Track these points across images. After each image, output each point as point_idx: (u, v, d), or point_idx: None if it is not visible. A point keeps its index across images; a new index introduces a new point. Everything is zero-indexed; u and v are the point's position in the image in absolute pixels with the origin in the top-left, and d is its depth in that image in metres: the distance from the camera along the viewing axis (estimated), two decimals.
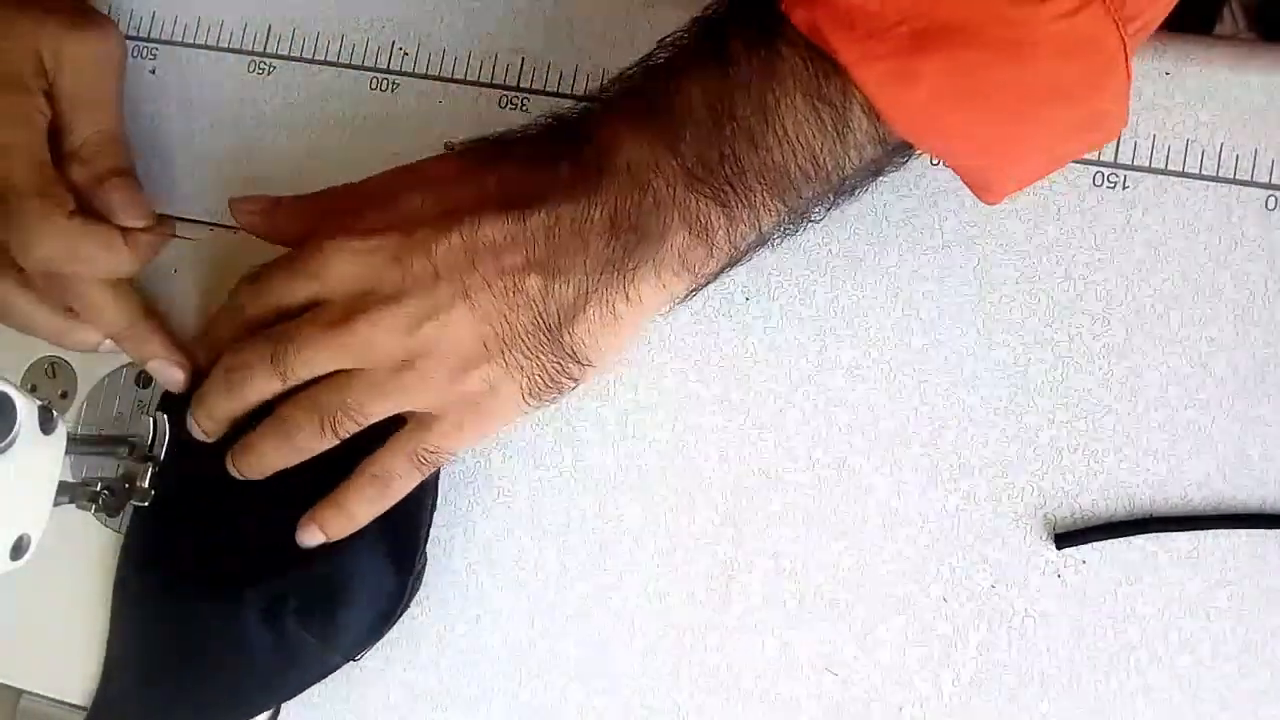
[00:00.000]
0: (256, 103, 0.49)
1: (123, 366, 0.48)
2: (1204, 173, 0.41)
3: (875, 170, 0.38)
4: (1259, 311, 0.40)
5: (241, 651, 0.43)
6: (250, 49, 0.50)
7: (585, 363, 0.40)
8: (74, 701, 0.46)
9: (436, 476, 0.44)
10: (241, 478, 0.43)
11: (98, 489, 0.43)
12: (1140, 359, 0.41)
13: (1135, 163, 0.42)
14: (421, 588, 0.44)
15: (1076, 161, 0.42)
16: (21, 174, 0.42)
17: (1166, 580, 0.40)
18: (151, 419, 0.45)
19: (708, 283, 0.40)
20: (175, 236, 0.47)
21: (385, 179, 0.43)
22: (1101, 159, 0.42)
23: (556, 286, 0.38)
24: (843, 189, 0.38)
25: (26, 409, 0.37)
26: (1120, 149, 0.42)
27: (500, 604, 0.44)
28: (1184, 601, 0.39)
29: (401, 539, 0.43)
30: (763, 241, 0.39)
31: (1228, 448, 0.40)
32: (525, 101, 0.47)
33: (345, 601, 0.43)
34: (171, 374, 0.46)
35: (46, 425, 0.38)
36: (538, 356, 0.40)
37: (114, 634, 0.46)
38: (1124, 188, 0.42)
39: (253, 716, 0.44)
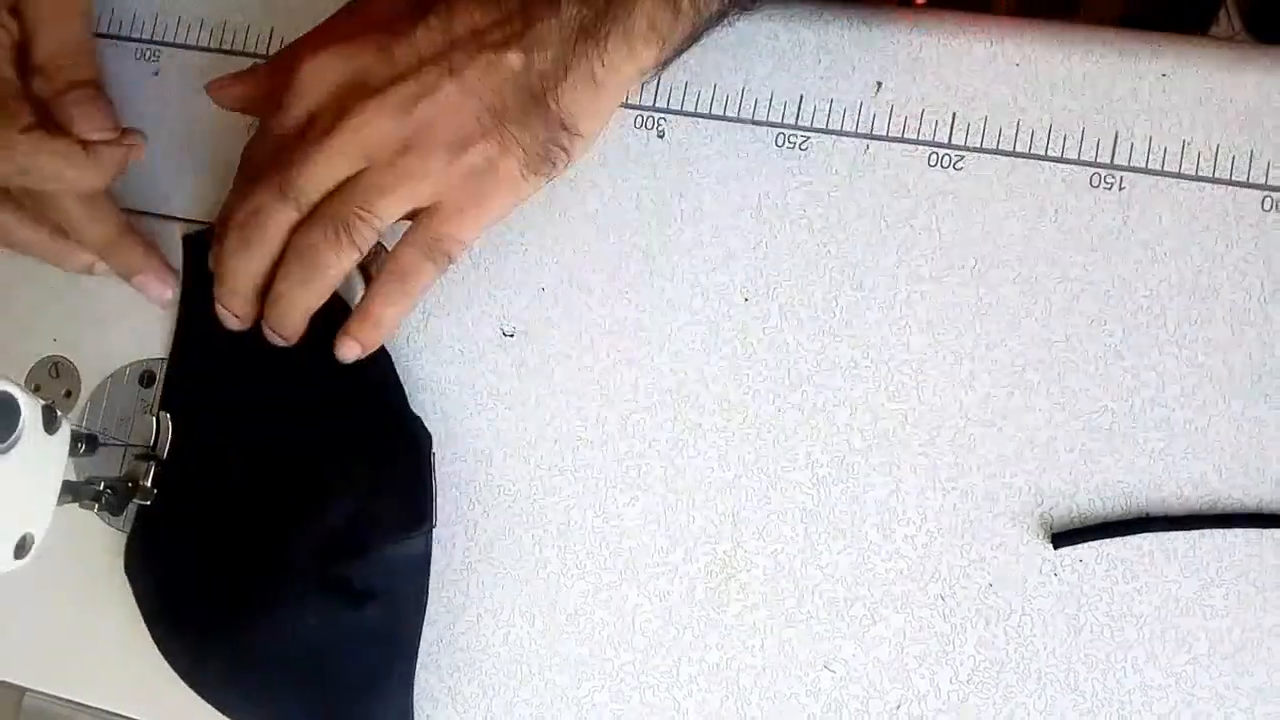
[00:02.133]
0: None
1: (125, 366, 0.48)
2: (1200, 174, 0.42)
3: None
4: (1255, 312, 0.41)
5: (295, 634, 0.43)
6: (253, 51, 0.50)
7: (574, 131, 0.41)
8: (77, 699, 0.46)
9: (430, 464, 0.44)
10: (282, 340, 0.44)
11: (101, 488, 0.43)
12: (1137, 359, 0.41)
13: (1132, 164, 0.42)
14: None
15: (1073, 162, 0.42)
16: None
17: (1163, 579, 0.40)
18: (154, 418, 0.45)
19: (674, 56, 0.41)
20: (158, 215, 0.47)
21: (345, 8, 0.44)
22: (1099, 160, 0.42)
23: (535, 57, 0.40)
24: None
25: (30, 408, 0.37)
26: (1117, 150, 0.42)
27: (500, 604, 0.44)
28: (1180, 600, 0.40)
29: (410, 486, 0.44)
30: (723, 13, 0.41)
31: (1224, 447, 0.40)
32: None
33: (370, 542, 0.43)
34: (158, 289, 0.46)
35: (50, 425, 0.38)
36: (529, 127, 0.40)
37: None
38: (1121, 189, 0.42)
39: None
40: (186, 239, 0.48)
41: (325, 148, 0.40)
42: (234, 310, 0.44)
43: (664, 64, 0.41)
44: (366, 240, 0.41)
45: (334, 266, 0.42)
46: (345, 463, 0.43)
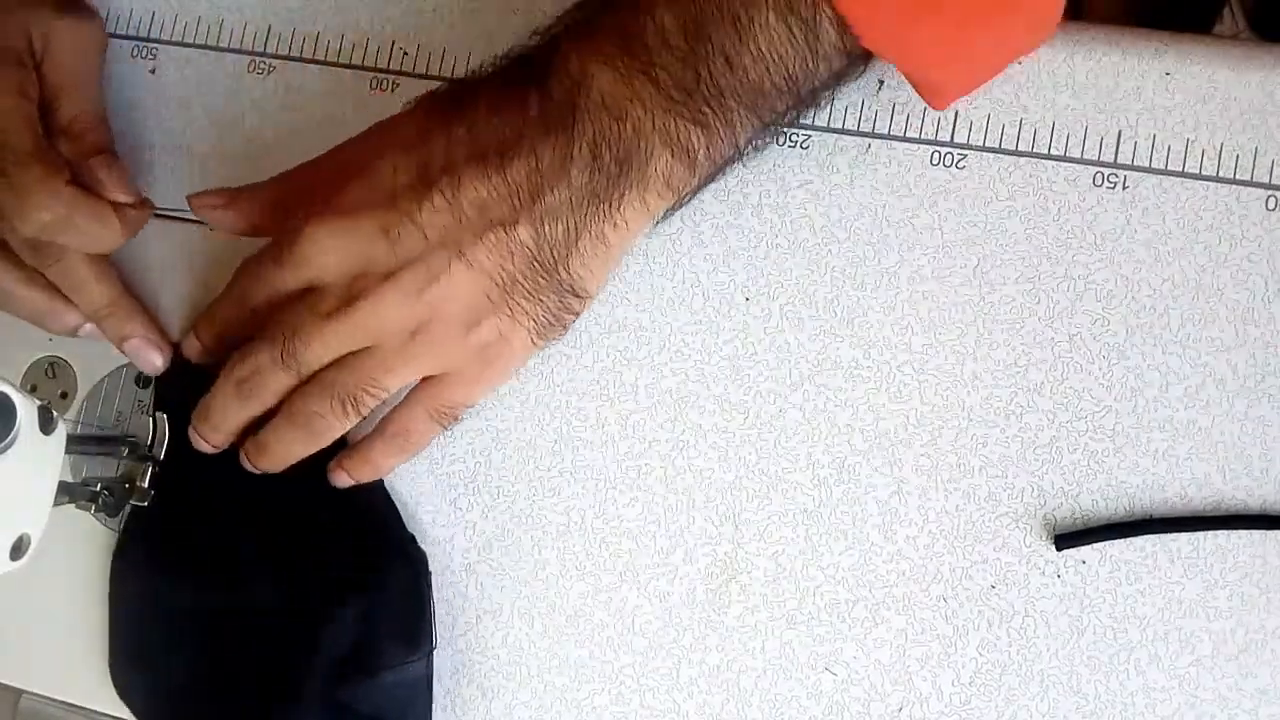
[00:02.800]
0: (256, 103, 0.49)
1: (122, 367, 0.48)
2: (1204, 173, 0.41)
3: (839, 80, 0.40)
4: (1259, 311, 0.40)
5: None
6: (250, 49, 0.50)
7: (583, 294, 0.41)
8: (74, 701, 0.46)
9: (427, 573, 0.44)
10: (258, 471, 0.44)
11: (97, 489, 0.43)
12: (1140, 359, 0.41)
13: (1135, 163, 0.42)
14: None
15: (1076, 162, 0.42)
16: (20, 142, 0.42)
17: (1166, 580, 0.40)
18: (151, 419, 0.45)
19: (688, 200, 0.41)
20: (156, 214, 0.47)
21: (349, 150, 0.43)
22: (1102, 159, 0.42)
23: (546, 229, 0.39)
24: (810, 100, 0.40)
25: (26, 409, 0.37)
26: (1120, 149, 0.42)
27: (499, 605, 0.44)
28: (1184, 602, 0.39)
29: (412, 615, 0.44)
30: (739, 155, 0.41)
31: (1228, 448, 0.40)
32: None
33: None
34: (150, 356, 0.46)
35: (46, 425, 0.38)
36: (539, 298, 0.40)
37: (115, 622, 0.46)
38: (1124, 188, 0.42)
39: None
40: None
41: (332, 328, 0.41)
42: (212, 444, 0.44)
43: (674, 211, 0.41)
44: (369, 409, 0.42)
45: (332, 431, 0.43)
46: (344, 587, 0.43)
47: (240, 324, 0.44)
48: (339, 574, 0.43)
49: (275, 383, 0.42)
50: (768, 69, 0.37)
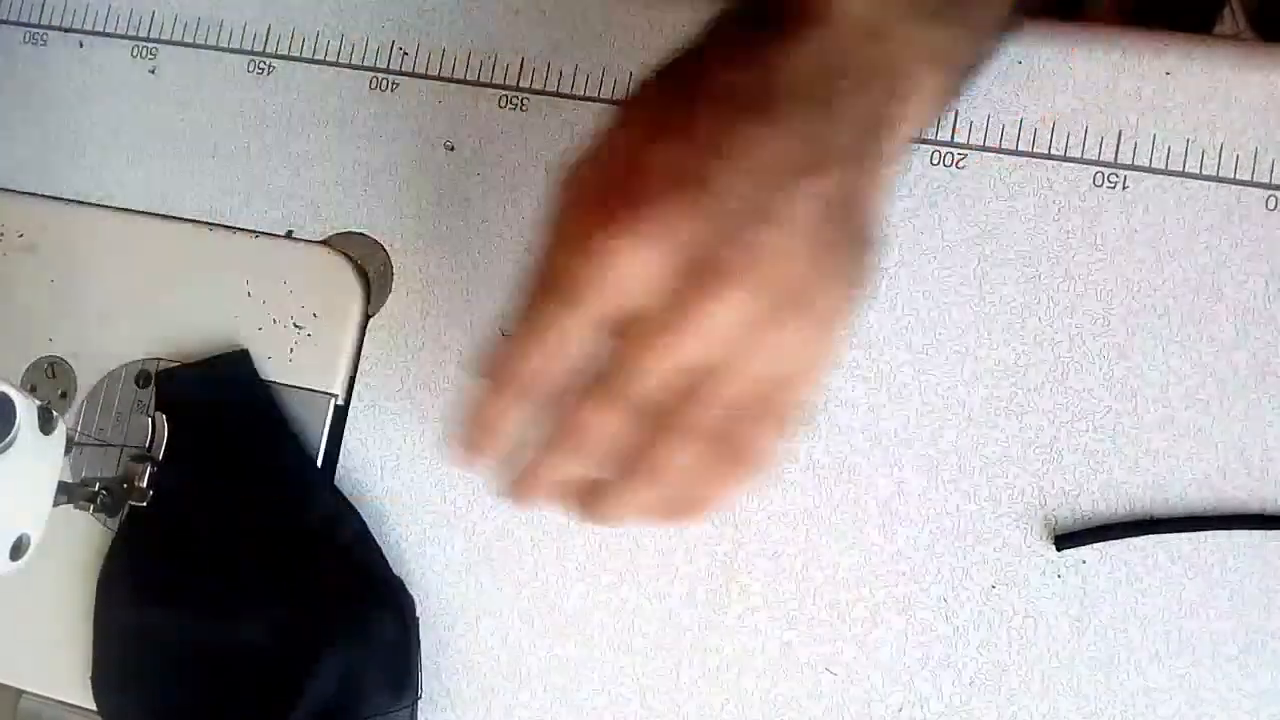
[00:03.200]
0: (256, 103, 0.49)
1: (122, 367, 0.48)
2: (1204, 173, 0.41)
3: None
4: (1260, 311, 0.40)
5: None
6: (250, 49, 0.50)
7: (875, 238, 0.35)
8: (73, 701, 0.46)
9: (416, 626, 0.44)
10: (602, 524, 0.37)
11: (96, 489, 0.43)
12: (1140, 359, 0.41)
13: (1136, 163, 0.42)
14: (422, 588, 0.44)
15: (1077, 161, 0.42)
16: None
17: (1167, 581, 0.40)
18: (150, 419, 0.45)
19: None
20: (156, 215, 0.45)
21: (592, 172, 0.35)
22: (1102, 159, 0.42)
23: (837, 173, 0.34)
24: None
25: (26, 409, 0.37)
26: (1121, 149, 0.42)
27: (500, 604, 0.44)
28: (1184, 602, 0.39)
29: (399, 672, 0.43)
30: (978, 63, 0.38)
31: (1228, 448, 0.40)
32: (525, 101, 0.47)
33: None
34: None
35: (46, 425, 0.38)
36: (849, 250, 0.35)
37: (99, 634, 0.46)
38: (1124, 188, 0.42)
39: None
40: (159, 374, 0.48)
41: (676, 353, 0.33)
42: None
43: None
44: (742, 437, 0.35)
45: (720, 485, 0.35)
46: (329, 634, 0.43)
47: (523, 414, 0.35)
48: (325, 619, 0.43)
49: (609, 429, 0.35)
50: None
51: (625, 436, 0.34)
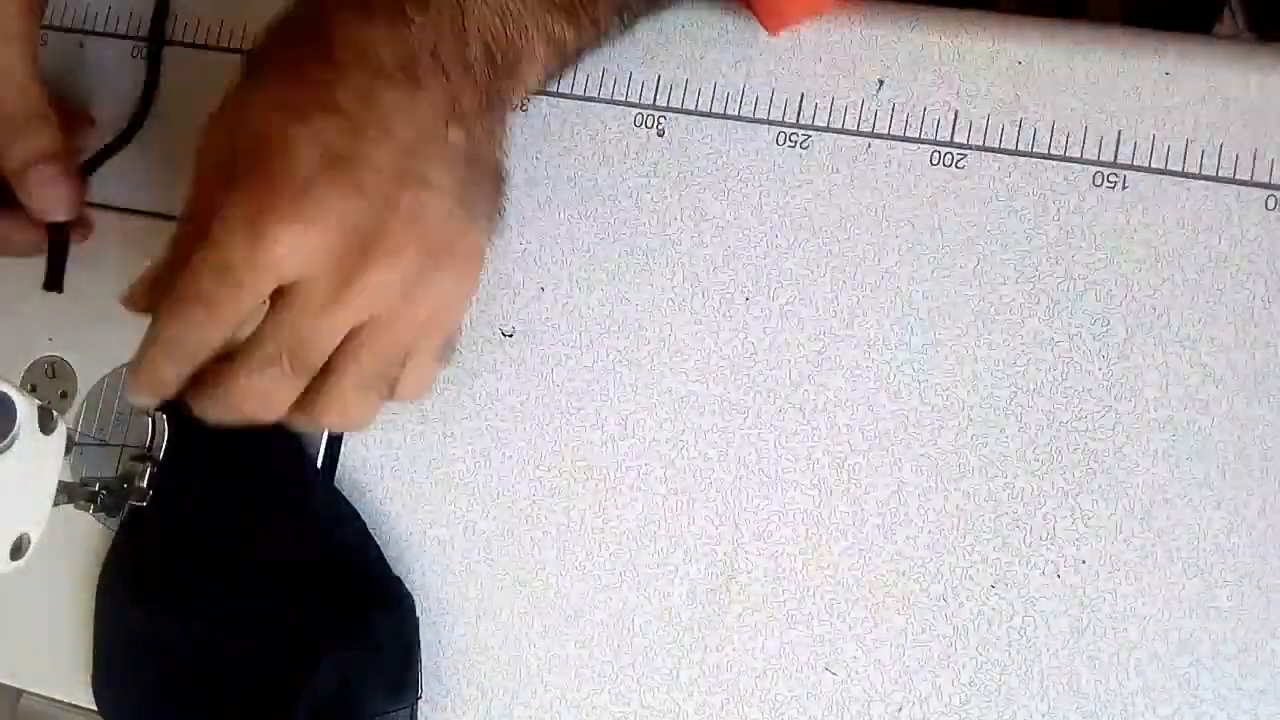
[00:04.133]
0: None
1: (122, 366, 0.48)
2: (1204, 173, 0.41)
3: None
4: (1259, 311, 0.40)
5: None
6: (250, 49, 0.50)
7: (503, 177, 0.41)
8: (73, 701, 0.46)
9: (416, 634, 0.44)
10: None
11: (96, 489, 0.43)
12: (1140, 359, 0.41)
13: (1135, 163, 0.42)
14: (422, 588, 0.44)
15: (1076, 161, 0.42)
16: None
17: (1166, 580, 0.40)
18: (150, 419, 0.45)
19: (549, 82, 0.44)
20: (157, 215, 0.47)
21: (214, 149, 0.38)
22: (1101, 159, 0.42)
23: (470, 128, 0.39)
24: (665, 4, 0.44)
25: (26, 409, 0.37)
26: (1120, 149, 0.42)
27: (500, 604, 0.44)
28: (1184, 602, 0.39)
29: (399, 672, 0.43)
30: (598, 45, 0.43)
31: (1228, 448, 0.40)
32: (523, 101, 0.47)
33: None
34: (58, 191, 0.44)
35: (46, 425, 0.38)
36: (483, 193, 0.40)
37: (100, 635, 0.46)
38: (1124, 188, 0.42)
39: None
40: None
41: (342, 318, 0.37)
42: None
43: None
44: (398, 374, 0.40)
45: (375, 413, 0.40)
46: (328, 634, 0.43)
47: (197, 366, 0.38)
48: (323, 619, 0.43)
49: (290, 397, 0.38)
50: None
51: (296, 392, 0.38)
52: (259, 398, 0.38)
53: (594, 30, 0.42)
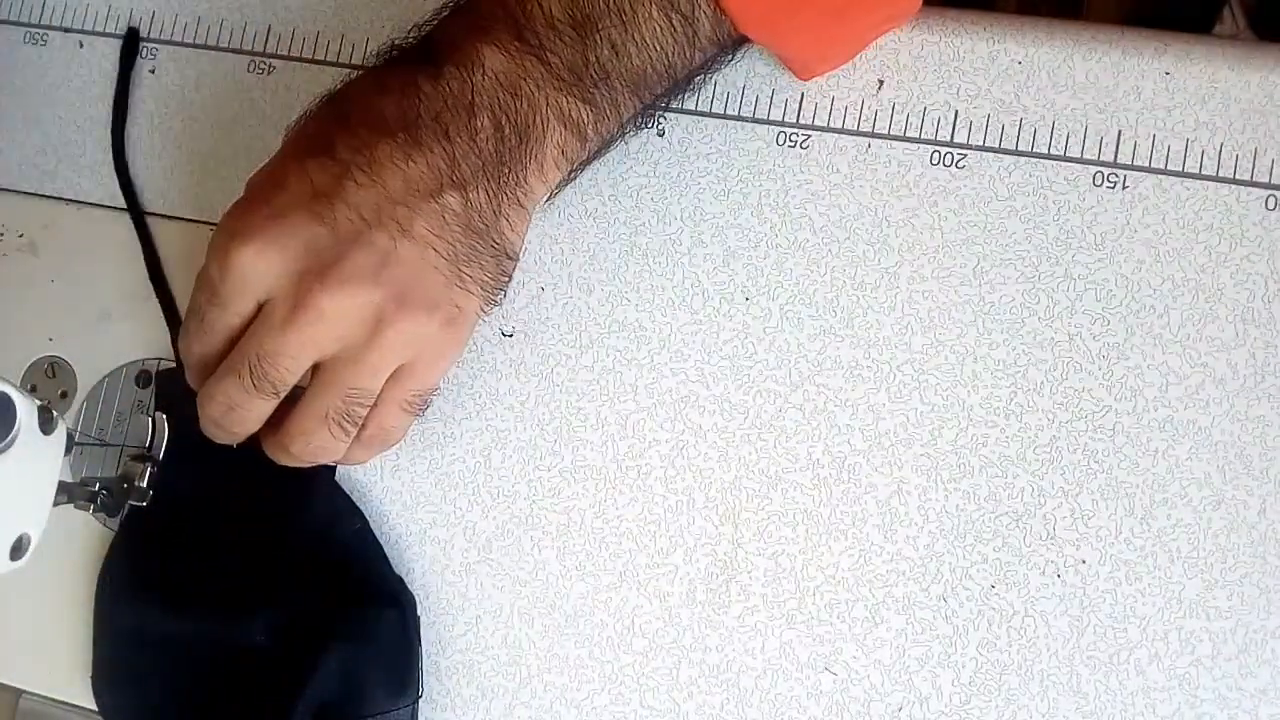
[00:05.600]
0: (256, 103, 0.49)
1: (122, 367, 0.48)
2: (1204, 172, 0.41)
3: (714, 65, 0.43)
4: (1259, 311, 0.40)
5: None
6: (250, 49, 0.50)
7: (513, 256, 0.42)
8: (73, 701, 0.46)
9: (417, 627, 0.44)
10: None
11: (96, 489, 0.43)
12: (1140, 359, 0.41)
13: (1135, 163, 0.42)
14: (421, 588, 0.44)
15: (1076, 161, 0.42)
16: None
17: (1166, 580, 0.40)
18: (150, 419, 0.45)
19: (577, 174, 0.43)
20: (158, 215, 0.47)
21: (239, 208, 0.41)
22: (1101, 159, 0.42)
23: (470, 195, 0.40)
24: (686, 84, 0.43)
25: (26, 409, 0.37)
26: (1120, 148, 0.42)
27: (500, 604, 0.44)
28: (1184, 602, 0.39)
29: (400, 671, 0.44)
30: (622, 133, 0.43)
31: (1228, 448, 0.40)
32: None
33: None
34: None
35: (46, 425, 0.38)
36: (480, 263, 0.41)
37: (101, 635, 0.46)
38: (1124, 188, 0.42)
39: None
40: (160, 374, 0.48)
41: (294, 336, 0.39)
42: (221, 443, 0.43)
43: (566, 183, 0.43)
44: (361, 419, 0.41)
45: (335, 452, 0.42)
46: (330, 632, 0.43)
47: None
48: (325, 618, 0.43)
49: (253, 411, 0.41)
50: (650, 57, 0.40)
51: (263, 410, 0.41)
52: (223, 404, 0.41)
53: (614, 114, 0.41)
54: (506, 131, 0.39)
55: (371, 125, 0.39)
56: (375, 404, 0.41)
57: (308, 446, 0.41)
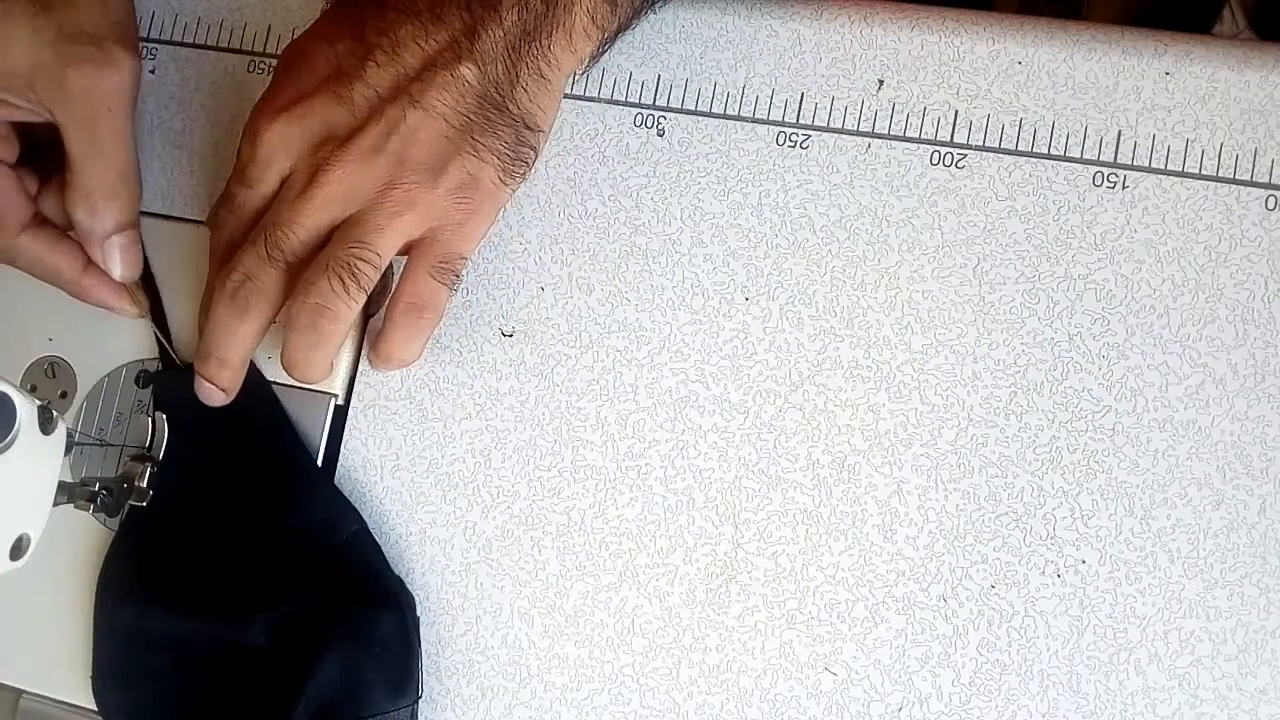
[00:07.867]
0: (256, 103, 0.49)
1: (122, 366, 0.48)
2: (1204, 172, 0.41)
3: None
4: (1259, 311, 0.40)
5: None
6: (250, 49, 0.50)
7: (535, 128, 0.43)
8: (73, 701, 0.46)
9: (417, 622, 0.44)
10: (305, 383, 0.44)
11: (96, 489, 0.43)
12: (1140, 359, 0.41)
13: (1135, 162, 0.42)
14: (422, 588, 0.44)
15: (1076, 161, 0.42)
16: None
17: (1166, 580, 0.40)
18: (150, 419, 0.45)
19: (609, 45, 0.44)
20: (157, 215, 0.48)
21: (272, 92, 0.43)
22: (1101, 159, 0.42)
23: (488, 67, 0.40)
24: None
25: (26, 409, 0.37)
26: (1120, 148, 0.42)
27: (500, 604, 0.44)
28: (1184, 602, 0.39)
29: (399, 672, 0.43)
30: (650, 4, 0.44)
31: (1228, 448, 0.40)
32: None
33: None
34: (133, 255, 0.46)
35: (46, 425, 0.38)
36: (497, 134, 0.41)
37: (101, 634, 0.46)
38: (1124, 188, 0.42)
39: None
40: (154, 375, 0.48)
41: (308, 204, 0.41)
42: (221, 384, 0.44)
43: (599, 54, 0.44)
44: (371, 281, 0.42)
45: (345, 315, 0.42)
46: (329, 633, 0.43)
47: None
48: (325, 619, 0.43)
49: (267, 282, 0.42)
50: None
51: (274, 282, 0.42)
52: (239, 275, 0.42)
53: (627, 5, 0.42)
54: (531, 5, 0.40)
55: (400, 6, 0.41)
56: (405, 272, 0.43)
57: (311, 309, 0.41)
